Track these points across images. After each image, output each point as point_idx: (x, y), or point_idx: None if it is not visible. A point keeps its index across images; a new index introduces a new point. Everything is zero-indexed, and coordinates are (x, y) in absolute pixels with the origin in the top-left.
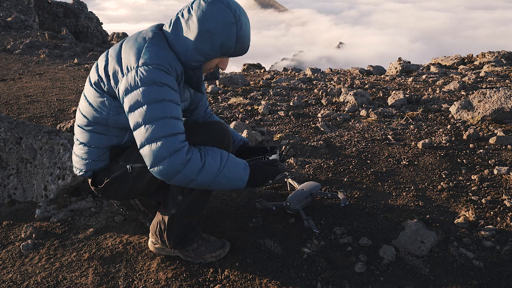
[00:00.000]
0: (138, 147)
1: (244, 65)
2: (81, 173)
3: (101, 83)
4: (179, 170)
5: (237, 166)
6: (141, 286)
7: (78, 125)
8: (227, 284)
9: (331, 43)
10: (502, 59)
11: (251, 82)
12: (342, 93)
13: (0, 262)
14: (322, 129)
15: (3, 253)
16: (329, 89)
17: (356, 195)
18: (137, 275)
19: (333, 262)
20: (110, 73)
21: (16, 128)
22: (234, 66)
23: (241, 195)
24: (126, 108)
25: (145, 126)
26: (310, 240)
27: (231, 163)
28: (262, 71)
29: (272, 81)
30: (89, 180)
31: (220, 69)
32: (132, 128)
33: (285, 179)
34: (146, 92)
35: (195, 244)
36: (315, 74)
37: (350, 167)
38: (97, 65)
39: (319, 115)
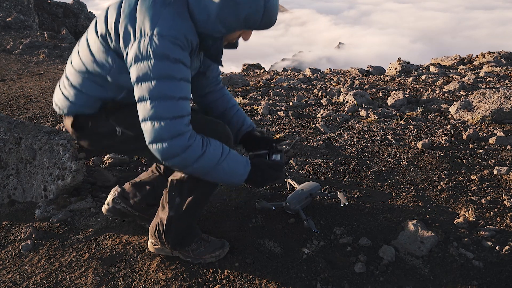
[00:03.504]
0: (140, 119)
1: (244, 65)
2: (61, 112)
3: (108, 38)
4: (178, 153)
5: (237, 163)
6: (141, 286)
7: (73, 67)
8: (227, 284)
9: (330, 43)
10: (501, 59)
11: (250, 82)
12: (341, 93)
13: None
14: (321, 129)
15: (2, 254)
16: (328, 89)
17: (356, 195)
18: (137, 275)
19: (333, 262)
20: (121, 32)
21: (16, 128)
22: (233, 66)
23: (240, 195)
24: (133, 76)
25: (151, 102)
26: (310, 240)
27: (231, 158)
28: (261, 71)
29: (271, 81)
30: (69, 121)
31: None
32: (136, 99)
33: (285, 179)
34: (157, 66)
35: (194, 245)
36: (315, 74)
37: (350, 167)
38: (106, 16)
39: (318, 115)
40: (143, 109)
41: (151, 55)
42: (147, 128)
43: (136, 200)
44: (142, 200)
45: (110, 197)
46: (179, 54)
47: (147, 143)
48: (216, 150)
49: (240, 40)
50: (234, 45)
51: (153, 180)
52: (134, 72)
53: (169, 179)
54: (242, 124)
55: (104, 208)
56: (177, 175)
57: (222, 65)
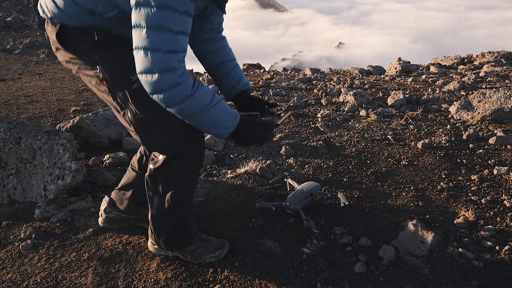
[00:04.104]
0: (133, 46)
1: (244, 65)
2: (45, 17)
3: None
4: (166, 89)
5: (226, 113)
6: (141, 286)
7: None
8: (227, 284)
9: (330, 43)
10: (501, 59)
11: (250, 82)
12: (341, 93)
13: None
14: (321, 129)
15: (2, 253)
16: (328, 89)
17: (356, 195)
18: (137, 275)
19: (333, 262)
20: None
21: (16, 128)
22: None
23: (240, 195)
24: None
25: (147, 31)
26: (310, 240)
27: (220, 107)
28: (261, 71)
29: (271, 81)
30: (53, 29)
31: None
32: (132, 24)
33: (285, 179)
34: None
35: (194, 245)
36: (315, 74)
37: (350, 167)
38: None
39: (318, 115)
40: (138, 36)
41: None
42: (139, 56)
43: (125, 204)
44: (131, 203)
45: (101, 208)
46: None
47: (137, 71)
48: (207, 95)
49: (240, 40)
50: None
51: (133, 179)
52: None
53: (145, 177)
54: (238, 81)
55: (100, 220)
56: (147, 170)
57: (225, 13)
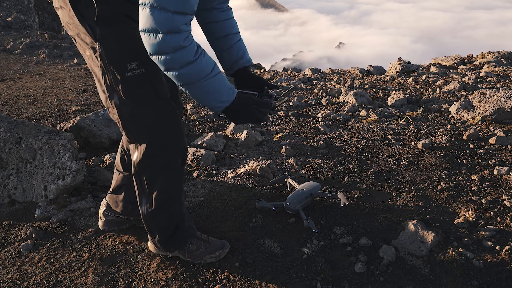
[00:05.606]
0: (140, 1)
1: None
2: None
3: None
4: (167, 52)
5: (224, 86)
6: (141, 286)
7: None
8: (227, 284)
9: (331, 43)
10: (502, 59)
11: None
12: (342, 93)
13: None
14: (322, 129)
15: (3, 253)
16: (329, 89)
17: (356, 195)
18: (137, 275)
19: (333, 262)
20: None
21: (16, 128)
22: None
23: (240, 195)
24: None
25: None
26: (310, 240)
27: (219, 79)
28: (262, 71)
29: (272, 81)
30: None
31: None
32: None
33: (285, 179)
34: None
35: (194, 246)
36: (315, 74)
37: (350, 167)
38: None
39: (319, 115)
40: None
41: None
42: (144, 14)
43: (120, 207)
44: (126, 203)
45: (100, 211)
46: None
47: (140, 28)
48: (208, 64)
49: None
50: None
51: (122, 181)
52: None
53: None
54: (241, 56)
55: (99, 223)
56: (132, 168)
57: None
